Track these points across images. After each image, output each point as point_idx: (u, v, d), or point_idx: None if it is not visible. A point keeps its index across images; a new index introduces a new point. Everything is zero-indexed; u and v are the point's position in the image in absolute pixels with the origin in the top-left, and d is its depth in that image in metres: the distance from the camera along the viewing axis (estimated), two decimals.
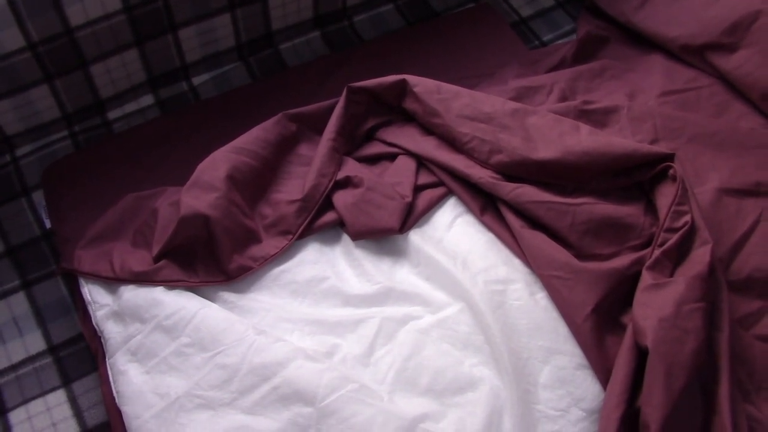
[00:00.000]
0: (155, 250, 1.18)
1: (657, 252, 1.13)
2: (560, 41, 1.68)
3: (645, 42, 1.58)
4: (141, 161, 1.44)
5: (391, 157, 1.31)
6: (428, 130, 1.31)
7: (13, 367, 1.30)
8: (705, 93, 1.46)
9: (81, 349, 1.32)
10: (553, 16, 1.74)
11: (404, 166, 1.28)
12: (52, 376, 1.29)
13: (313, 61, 1.62)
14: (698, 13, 1.50)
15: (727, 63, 1.45)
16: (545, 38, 1.70)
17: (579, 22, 1.68)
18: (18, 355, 1.31)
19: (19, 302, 1.36)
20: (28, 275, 1.39)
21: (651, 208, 1.22)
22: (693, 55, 1.49)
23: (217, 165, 1.22)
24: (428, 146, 1.28)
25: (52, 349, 1.32)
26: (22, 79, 1.39)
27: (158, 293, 1.15)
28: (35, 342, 1.33)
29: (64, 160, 1.46)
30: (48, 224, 1.38)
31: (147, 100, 1.59)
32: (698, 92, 1.46)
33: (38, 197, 1.46)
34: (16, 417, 1.25)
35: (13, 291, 1.38)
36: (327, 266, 1.20)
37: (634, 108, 1.36)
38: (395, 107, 1.35)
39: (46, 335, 1.33)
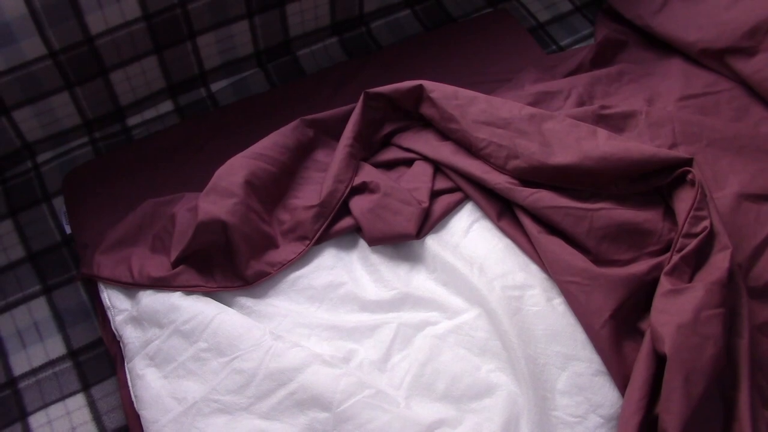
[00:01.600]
0: (173, 255, 1.19)
1: (675, 257, 1.12)
2: (578, 46, 1.68)
3: (663, 46, 1.57)
4: (160, 167, 1.45)
5: (408, 163, 1.31)
6: (445, 135, 1.31)
7: (34, 372, 1.32)
8: (724, 97, 1.45)
9: (100, 353, 1.33)
10: (571, 20, 1.73)
11: (421, 171, 1.28)
12: (71, 380, 1.31)
13: (331, 68, 1.62)
14: (717, 16, 1.49)
15: (747, 67, 1.43)
16: (563, 43, 1.70)
17: (597, 26, 1.68)
18: (38, 360, 1.33)
19: (40, 307, 1.38)
20: (48, 281, 1.41)
21: (669, 214, 1.21)
22: (712, 59, 1.48)
23: (234, 171, 1.22)
24: (445, 151, 1.28)
25: (71, 354, 1.33)
26: (43, 87, 1.41)
27: (176, 298, 1.16)
28: (55, 346, 1.34)
29: (84, 166, 1.48)
30: (68, 230, 1.40)
31: (166, 106, 1.60)
32: (717, 96, 1.45)
33: (59, 203, 1.48)
34: (36, 421, 1.27)
35: (34, 296, 1.39)
36: (344, 272, 1.20)
37: (652, 113, 1.35)
38: (412, 113, 1.35)
39: (66, 340, 1.35)
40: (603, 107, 1.35)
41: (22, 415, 1.27)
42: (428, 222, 1.22)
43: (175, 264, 1.19)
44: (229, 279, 1.19)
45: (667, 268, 1.11)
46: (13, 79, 1.35)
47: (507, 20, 1.69)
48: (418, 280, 1.20)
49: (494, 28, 1.67)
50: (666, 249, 1.18)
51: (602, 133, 1.24)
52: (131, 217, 1.31)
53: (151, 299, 1.17)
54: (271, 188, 1.25)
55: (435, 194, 1.25)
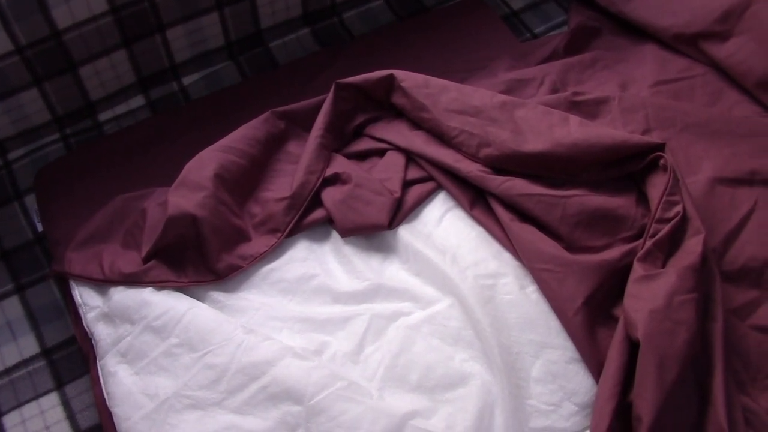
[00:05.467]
0: (144, 250, 1.18)
1: (648, 243, 1.11)
2: (552, 33, 1.67)
3: (637, 32, 1.57)
4: (133, 162, 1.44)
5: (380, 153, 1.30)
6: (417, 124, 1.30)
7: (7, 371, 1.30)
8: (699, 82, 1.45)
9: (74, 351, 1.32)
10: (545, 8, 1.72)
11: (393, 161, 1.27)
12: (45, 379, 1.29)
13: (304, 59, 1.61)
14: (690, 1, 1.49)
15: (721, 51, 1.43)
16: (537, 30, 1.69)
17: (570, 13, 1.67)
18: (12, 359, 1.32)
19: (13, 306, 1.37)
20: (21, 279, 1.39)
21: (643, 199, 1.21)
22: (686, 44, 1.48)
23: (204, 164, 1.21)
24: (417, 141, 1.27)
25: (45, 352, 1.32)
26: (11, 83, 1.39)
27: (147, 294, 1.15)
28: (29, 345, 1.33)
29: (55, 163, 1.46)
30: (40, 227, 1.38)
31: (137, 101, 1.59)
32: (692, 81, 1.45)
33: (31, 201, 1.47)
34: (10, 420, 1.25)
35: (6, 295, 1.38)
36: (316, 264, 1.20)
37: (625, 98, 1.35)
38: (384, 103, 1.34)
39: (40, 338, 1.33)
40: (576, 94, 1.34)
41: None
42: (400, 212, 1.21)
43: (146, 259, 1.18)
44: (200, 273, 1.17)
45: (640, 253, 1.11)
46: None
47: (481, 8, 1.68)
48: (390, 270, 1.19)
49: (468, 17, 1.66)
50: (639, 235, 1.17)
51: (574, 119, 1.24)
52: (102, 213, 1.29)
53: (122, 295, 1.16)
54: (242, 181, 1.24)
55: (407, 184, 1.25)
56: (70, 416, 1.25)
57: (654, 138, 1.24)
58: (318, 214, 1.22)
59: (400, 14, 1.73)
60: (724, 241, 1.20)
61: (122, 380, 1.11)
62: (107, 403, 1.13)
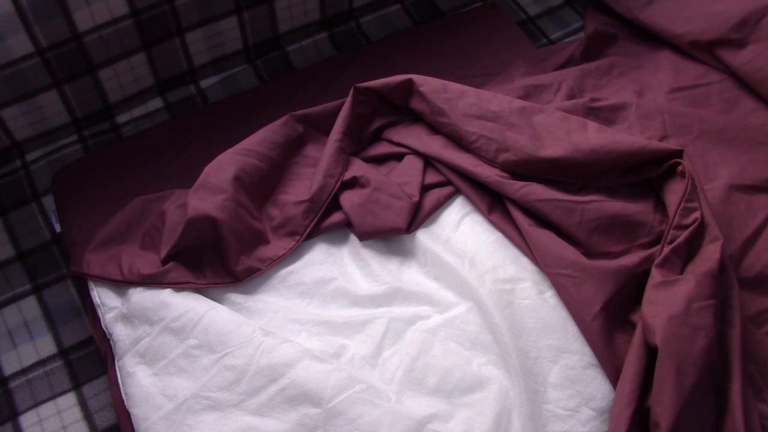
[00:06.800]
0: (163, 252, 1.19)
1: (666, 249, 1.11)
2: (568, 39, 1.68)
3: (653, 39, 1.57)
4: (150, 165, 1.45)
5: (399, 157, 1.31)
6: (435, 129, 1.30)
7: (24, 371, 1.31)
8: (715, 89, 1.45)
9: (91, 352, 1.32)
10: (561, 14, 1.73)
11: (411, 165, 1.27)
12: (62, 379, 1.30)
13: (321, 63, 1.62)
14: (706, 8, 1.49)
15: (737, 58, 1.43)
16: (553, 36, 1.69)
17: (586, 19, 1.67)
18: (29, 359, 1.32)
19: (30, 306, 1.37)
20: (38, 279, 1.40)
21: (660, 205, 1.21)
22: (702, 51, 1.49)
23: (223, 167, 1.22)
24: (435, 145, 1.27)
25: (62, 353, 1.32)
26: (30, 85, 1.40)
27: (166, 295, 1.15)
28: (46, 345, 1.33)
29: (73, 164, 1.47)
30: (58, 228, 1.39)
31: (155, 103, 1.60)
32: (708, 88, 1.45)
33: (48, 202, 1.47)
34: (27, 420, 1.26)
35: (24, 295, 1.39)
36: (334, 267, 1.20)
37: (642, 105, 1.35)
38: (402, 107, 1.34)
39: (57, 339, 1.34)
40: (593, 100, 1.35)
41: (13, 415, 1.26)
42: (419, 216, 1.22)
43: (165, 261, 1.19)
44: (219, 275, 1.18)
45: (658, 259, 1.11)
46: (0, 77, 1.35)
47: (497, 14, 1.69)
48: (408, 274, 1.19)
49: (484, 22, 1.66)
50: (657, 241, 1.17)
51: (592, 125, 1.24)
52: (121, 215, 1.30)
53: (141, 296, 1.17)
54: (261, 184, 1.25)
55: (425, 188, 1.25)
56: (87, 416, 1.26)
57: (671, 144, 1.24)
58: (336, 217, 1.23)
59: (417, 19, 1.74)
60: (741, 248, 1.20)
61: (141, 381, 1.12)
62: (125, 403, 1.13)
